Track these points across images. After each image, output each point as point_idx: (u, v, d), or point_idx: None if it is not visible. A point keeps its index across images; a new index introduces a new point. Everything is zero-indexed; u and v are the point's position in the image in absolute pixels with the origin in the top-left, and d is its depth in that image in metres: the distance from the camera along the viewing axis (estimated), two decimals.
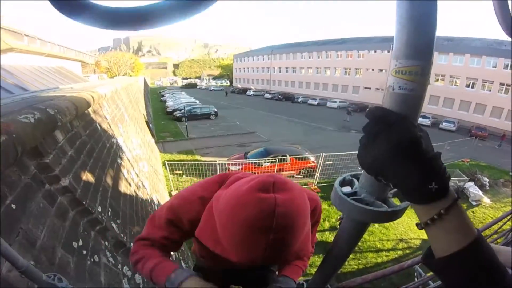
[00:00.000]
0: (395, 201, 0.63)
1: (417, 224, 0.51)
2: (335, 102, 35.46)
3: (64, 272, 1.23)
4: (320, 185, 10.02)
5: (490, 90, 27.05)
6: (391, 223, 7.98)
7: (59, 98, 1.82)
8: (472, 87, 28.14)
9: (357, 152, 0.50)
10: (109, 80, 12.18)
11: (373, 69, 35.88)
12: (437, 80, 30.42)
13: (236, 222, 0.57)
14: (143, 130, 8.56)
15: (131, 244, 2.56)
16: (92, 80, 19.22)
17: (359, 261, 6.52)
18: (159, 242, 0.79)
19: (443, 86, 30.01)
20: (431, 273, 3.12)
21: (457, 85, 29.19)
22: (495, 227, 3.89)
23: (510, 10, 0.91)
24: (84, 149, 2.13)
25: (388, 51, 33.86)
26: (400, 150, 0.43)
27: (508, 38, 1.02)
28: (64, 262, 1.27)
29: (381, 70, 34.73)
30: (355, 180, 0.66)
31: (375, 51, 35.66)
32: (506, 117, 25.85)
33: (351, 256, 6.02)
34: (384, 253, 6.87)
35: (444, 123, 25.44)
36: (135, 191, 3.83)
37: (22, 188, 1.13)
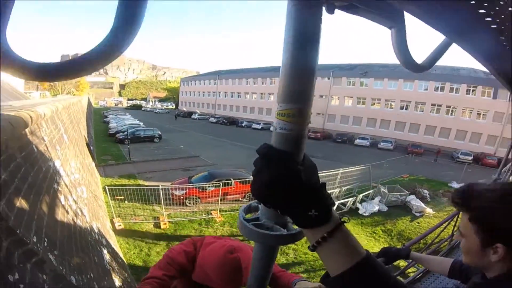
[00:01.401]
0: None
1: (308, 247, 0.56)
2: None
3: None
4: None
5: (422, 111, 31.10)
6: None
7: None
8: (406, 109, 32.10)
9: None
10: (51, 99, 11.01)
11: (314, 95, 38.70)
12: (374, 103, 34.15)
13: (221, 272, 1.10)
14: (83, 152, 7.85)
15: (72, 277, 2.34)
16: (33, 97, 17.08)
17: (314, 279, 6.65)
18: (160, 278, 1.13)
19: (380, 109, 33.72)
20: None
21: (393, 107, 32.94)
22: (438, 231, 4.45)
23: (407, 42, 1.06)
24: (18, 173, 1.94)
25: (328, 78, 37.30)
26: (279, 181, 0.49)
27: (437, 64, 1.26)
28: None
29: (321, 96, 37.79)
30: (260, 206, 0.71)
31: (316, 78, 38.76)
32: (439, 134, 29.93)
33: (304, 275, 6.27)
34: None
35: (382, 143, 28.27)
36: (73, 219, 3.50)
37: None
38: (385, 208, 10.68)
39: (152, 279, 1.09)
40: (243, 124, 40.41)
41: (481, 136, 28.12)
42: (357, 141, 29.68)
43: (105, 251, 4.63)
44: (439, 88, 30.02)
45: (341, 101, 36.92)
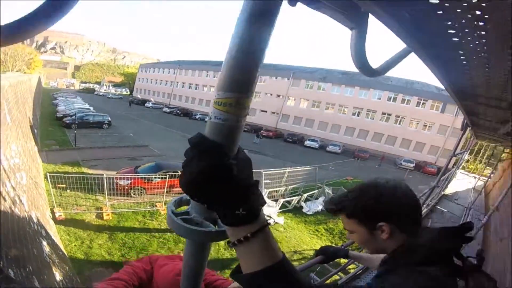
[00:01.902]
0: None
1: (227, 242, 0.54)
2: None
3: None
4: None
5: (373, 118, 33.19)
6: (284, 237, 8.74)
7: None
8: (358, 115, 34.00)
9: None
10: None
11: (271, 94, 39.47)
12: (328, 108, 35.69)
13: None
14: (26, 135, 7.07)
15: (9, 270, 2.18)
16: None
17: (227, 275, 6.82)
18: (127, 281, 1.14)
19: (333, 113, 35.40)
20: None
21: (345, 113, 34.69)
22: None
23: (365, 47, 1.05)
24: None
25: (288, 79, 38.24)
26: (207, 175, 0.45)
27: (391, 75, 1.29)
28: None
29: (278, 96, 38.61)
30: (191, 200, 0.67)
31: (276, 78, 39.51)
32: (386, 141, 32.20)
33: (218, 272, 6.45)
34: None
35: (330, 146, 29.70)
36: (10, 208, 3.23)
37: None
38: None
39: (119, 281, 1.11)
40: (197, 117, 39.58)
41: (424, 145, 30.34)
42: (307, 143, 30.68)
43: (44, 243, 4.31)
44: (391, 98, 32.27)
45: (297, 102, 37.83)
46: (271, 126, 37.21)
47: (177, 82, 52.49)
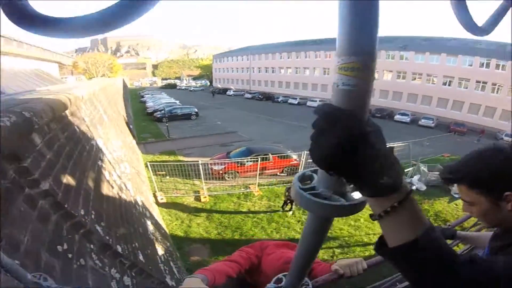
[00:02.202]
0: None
1: (370, 216, 0.52)
2: (315, 101, 36.06)
3: (50, 277, 1.22)
4: None
5: (467, 87, 27.99)
6: None
7: (35, 100, 1.77)
8: (449, 85, 29.10)
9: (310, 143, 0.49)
10: (87, 82, 11.75)
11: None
12: (414, 78, 31.36)
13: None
14: (124, 131, 8.36)
15: (117, 246, 2.53)
16: (69, 81, 18.55)
17: (347, 255, 6.64)
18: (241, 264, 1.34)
19: (420, 84, 30.97)
20: None
21: (435, 83, 30.09)
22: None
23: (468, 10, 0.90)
24: (63, 151, 2.08)
25: None
26: (347, 145, 0.43)
27: (481, 38, 1.09)
28: (49, 266, 1.26)
29: None
30: (315, 175, 0.66)
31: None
32: (484, 113, 26.95)
33: (338, 250, 6.19)
34: (371, 247, 6.92)
35: (423, 120, 26.15)
36: (118, 193, 3.76)
37: (2, 192, 1.11)
38: (423, 187, 10.18)
39: (235, 264, 1.26)
40: (279, 100, 39.52)
41: (495, 110, 25.45)
42: (397, 117, 27.96)
43: (148, 223, 5.00)
44: (484, 64, 26.64)
45: (380, 75, 34.36)
46: None
47: (253, 68, 52.95)
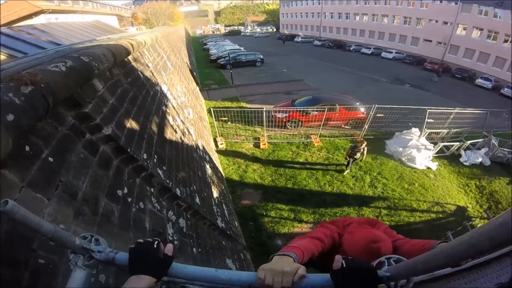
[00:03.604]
0: None
1: None
2: (391, 52, 31.82)
3: (108, 222, 1.28)
4: (367, 137, 9.52)
5: None
6: (431, 184, 7.73)
7: (95, 47, 1.75)
8: None
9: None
10: (148, 30, 12.09)
11: (436, 21, 30.78)
12: (507, 41, 25.12)
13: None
14: (187, 78, 8.60)
15: (177, 189, 2.68)
16: (130, 31, 19.53)
17: (392, 218, 6.44)
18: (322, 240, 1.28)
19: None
20: None
21: None
22: None
23: None
24: (126, 97, 2.12)
25: (456, 3, 28.20)
26: None
27: None
28: (108, 211, 1.32)
29: (445, 23, 29.81)
30: None
31: (441, 1, 29.91)
32: None
33: (385, 211, 5.90)
34: (418, 213, 6.71)
35: (506, 89, 21.35)
36: (180, 138, 3.93)
37: (59, 139, 1.12)
38: (488, 162, 8.97)
39: (319, 241, 1.22)
40: (351, 48, 36.33)
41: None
42: (478, 81, 23.54)
43: (207, 166, 5.30)
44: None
45: (468, 32, 28.16)
46: (437, 58, 29.79)
47: (325, 13, 48.04)
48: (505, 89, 22.16)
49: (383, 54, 32.37)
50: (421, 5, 32.58)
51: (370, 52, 33.81)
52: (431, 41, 32.11)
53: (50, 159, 1.01)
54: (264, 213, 6.33)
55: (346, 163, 7.88)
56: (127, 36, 3.01)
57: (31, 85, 0.90)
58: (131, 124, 2.16)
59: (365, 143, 7.55)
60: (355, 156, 7.46)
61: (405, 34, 34.89)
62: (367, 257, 1.10)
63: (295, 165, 8.21)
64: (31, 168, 0.90)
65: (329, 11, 47.14)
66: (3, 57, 3.53)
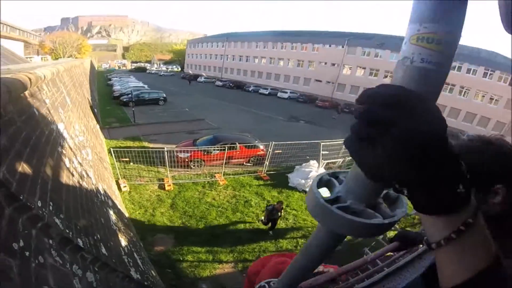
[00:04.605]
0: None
1: (428, 244, 0.40)
2: (286, 92, 36.65)
3: (7, 278, 1.10)
4: (269, 173, 10.36)
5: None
6: None
7: None
8: None
9: (352, 150, 0.38)
10: (52, 62, 10.71)
11: (325, 63, 37.68)
12: (386, 76, 32.73)
13: None
14: (87, 115, 7.78)
15: (78, 240, 2.38)
16: (34, 61, 16.93)
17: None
18: None
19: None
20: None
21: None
22: None
23: None
24: (19, 137, 1.88)
25: (343, 46, 35.67)
26: (421, 147, 0.32)
27: None
28: (6, 267, 1.14)
29: (333, 64, 36.59)
30: (335, 181, 0.54)
31: (330, 46, 37.29)
32: (448, 114, 28.39)
33: (301, 240, 6.35)
34: None
35: None
36: (78, 182, 3.52)
37: None
38: None
39: None
40: (250, 89, 39.82)
41: (489, 121, 27.09)
42: None
43: (111, 212, 4.76)
44: (456, 68, 28.44)
45: (353, 70, 35.65)
46: (327, 96, 35.71)
47: (227, 55, 52.40)
48: None
49: (279, 94, 36.67)
50: (313, 49, 38.68)
51: (267, 92, 37.72)
52: (321, 81, 37.94)
53: None
54: (181, 258, 5.98)
55: (267, 228, 7.41)
56: (28, 68, 2.67)
57: None
58: (23, 168, 1.90)
59: (283, 205, 7.60)
60: (275, 217, 7.16)
61: (298, 76, 40.63)
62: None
63: (204, 205, 8.15)
64: None
65: (231, 54, 51.50)
66: None
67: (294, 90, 38.27)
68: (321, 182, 0.56)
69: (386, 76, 32.90)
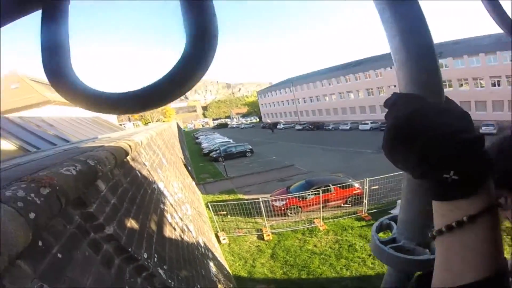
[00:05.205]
0: None
1: (432, 233, 0.38)
2: (367, 124, 34.57)
3: None
4: (370, 211, 9.33)
5: None
6: None
7: (98, 148, 1.96)
8: (499, 85, 26.06)
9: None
10: (144, 127, 13.03)
11: (394, 86, 34.89)
12: (461, 85, 28.91)
13: None
14: (183, 173, 8.88)
15: None
16: (128, 127, 20.73)
17: None
18: None
19: (469, 89, 28.43)
20: None
21: (483, 86, 27.36)
22: None
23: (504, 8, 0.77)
24: (126, 196, 2.22)
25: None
26: (398, 124, 0.37)
27: None
28: None
29: (392, 86, 34.08)
30: (393, 224, 0.60)
31: (391, 68, 35.07)
32: None
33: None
34: None
35: (483, 127, 23.03)
36: (180, 235, 3.85)
37: (67, 237, 1.18)
38: None
39: None
40: (330, 127, 39.11)
41: None
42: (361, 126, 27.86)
43: (211, 264, 4.97)
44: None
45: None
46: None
47: (297, 99, 54.04)
48: (483, 128, 23.36)
49: (361, 126, 34.74)
50: (376, 75, 36.94)
51: (348, 127, 36.30)
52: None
53: (59, 255, 1.05)
54: None
55: None
56: (125, 135, 3.32)
57: (48, 187, 1.02)
58: (131, 223, 2.20)
59: None
60: None
61: (372, 104, 38.37)
62: None
63: (305, 253, 7.75)
64: (42, 262, 0.93)
65: (301, 97, 52.84)
66: (13, 147, 3.71)
67: (374, 120, 35.79)
68: (382, 226, 0.65)
69: (461, 85, 28.71)
